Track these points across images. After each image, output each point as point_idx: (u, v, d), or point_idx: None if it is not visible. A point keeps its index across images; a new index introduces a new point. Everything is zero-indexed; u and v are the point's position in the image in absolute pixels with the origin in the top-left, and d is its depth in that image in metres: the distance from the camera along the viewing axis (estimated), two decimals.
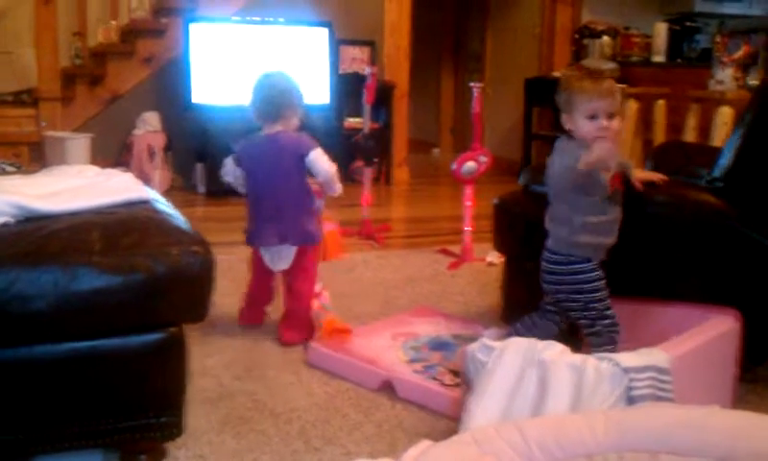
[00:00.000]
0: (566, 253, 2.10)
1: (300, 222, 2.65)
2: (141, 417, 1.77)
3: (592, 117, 2.01)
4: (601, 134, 2.00)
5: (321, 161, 2.64)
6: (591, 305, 2.09)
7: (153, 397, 1.78)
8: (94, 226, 1.75)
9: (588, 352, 1.90)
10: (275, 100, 2.63)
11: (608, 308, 2.10)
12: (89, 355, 1.69)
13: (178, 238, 1.76)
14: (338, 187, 2.72)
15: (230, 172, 2.73)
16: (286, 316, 2.68)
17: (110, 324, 1.70)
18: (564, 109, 2.07)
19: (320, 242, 2.80)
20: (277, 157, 2.62)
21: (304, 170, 2.64)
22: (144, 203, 2.00)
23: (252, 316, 2.80)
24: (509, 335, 2.05)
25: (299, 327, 2.62)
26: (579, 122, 2.03)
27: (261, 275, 2.74)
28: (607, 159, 1.97)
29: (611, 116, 2.02)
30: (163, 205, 2.06)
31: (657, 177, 2.27)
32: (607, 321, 2.10)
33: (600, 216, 2.06)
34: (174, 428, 1.80)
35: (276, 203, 2.63)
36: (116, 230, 1.75)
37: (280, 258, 2.66)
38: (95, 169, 2.17)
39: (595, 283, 2.09)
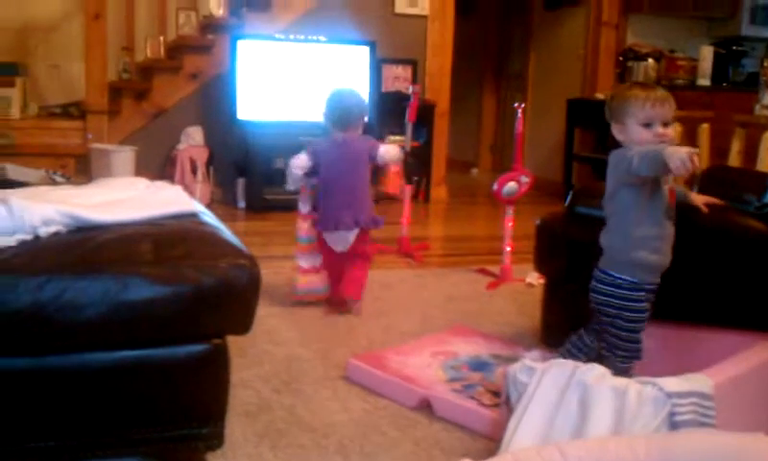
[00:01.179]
0: (624, 277, 2.05)
1: (369, 209, 3.20)
2: (183, 426, 1.80)
3: (647, 125, 1.98)
4: (658, 141, 1.96)
5: (389, 150, 3.29)
6: (624, 334, 2.07)
7: (195, 407, 1.81)
8: (144, 237, 1.80)
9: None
10: (350, 110, 3.17)
11: (633, 341, 2.07)
12: (136, 365, 1.73)
13: (225, 251, 1.80)
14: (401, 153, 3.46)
15: (300, 164, 3.13)
16: (348, 281, 3.16)
17: (158, 334, 1.74)
18: (615, 119, 2.04)
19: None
20: (354, 156, 3.16)
21: (370, 167, 3.23)
22: (192, 216, 2.04)
23: (335, 295, 3.21)
24: (558, 356, 2.03)
25: (359, 287, 3.18)
26: (633, 130, 1.99)
27: (332, 257, 3.20)
28: (682, 166, 1.80)
29: (665, 124, 1.99)
30: (210, 218, 2.10)
31: (715, 201, 2.23)
32: (622, 353, 2.08)
33: (657, 228, 2.02)
34: (215, 439, 1.83)
35: (350, 193, 3.13)
36: (166, 242, 1.79)
37: (343, 240, 3.15)
38: (145, 181, 2.21)
39: (639, 314, 2.05)
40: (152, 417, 1.78)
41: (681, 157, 1.78)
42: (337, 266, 3.21)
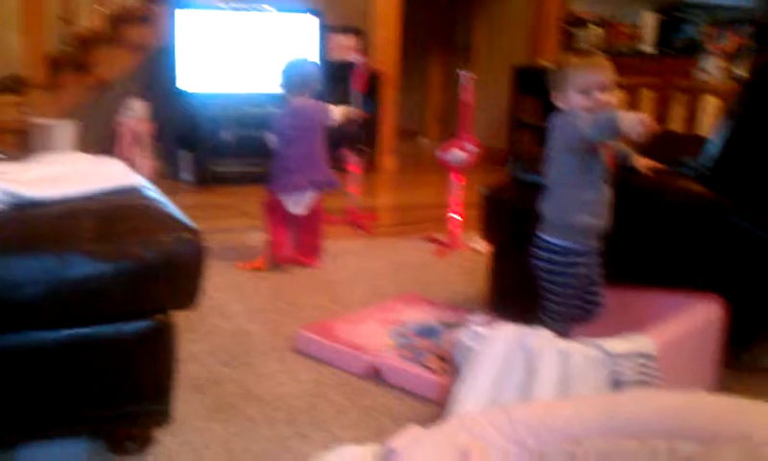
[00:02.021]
0: (556, 240, 2.08)
1: (327, 170, 3.36)
2: (130, 404, 1.78)
3: (586, 92, 2.00)
4: (595, 107, 1.98)
5: (337, 109, 3.46)
6: (559, 299, 2.10)
7: (142, 384, 1.79)
8: (86, 213, 1.76)
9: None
10: (307, 76, 3.34)
11: (566, 306, 2.10)
12: (80, 343, 1.69)
13: (169, 225, 1.77)
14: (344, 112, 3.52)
15: (272, 140, 3.32)
16: (305, 245, 3.39)
17: (102, 311, 1.70)
18: (555, 87, 2.06)
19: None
20: (308, 121, 3.31)
21: (324, 130, 3.37)
22: (135, 190, 2.00)
23: (286, 256, 3.34)
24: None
25: (317, 252, 3.41)
26: (572, 97, 2.01)
27: (282, 221, 3.33)
28: (637, 131, 1.84)
29: (603, 90, 2.01)
30: (154, 192, 2.06)
31: (656, 164, 2.27)
32: (556, 316, 2.11)
33: (596, 193, 2.05)
34: (162, 416, 1.82)
35: (306, 156, 3.28)
36: (108, 218, 1.76)
37: (301, 203, 3.30)
38: (85, 156, 2.17)
39: (571, 279, 2.09)
40: (98, 396, 1.75)
41: (635, 119, 1.82)
42: (290, 228, 3.36)
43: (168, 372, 1.84)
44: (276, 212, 3.33)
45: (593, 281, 2.15)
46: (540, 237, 2.12)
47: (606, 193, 2.08)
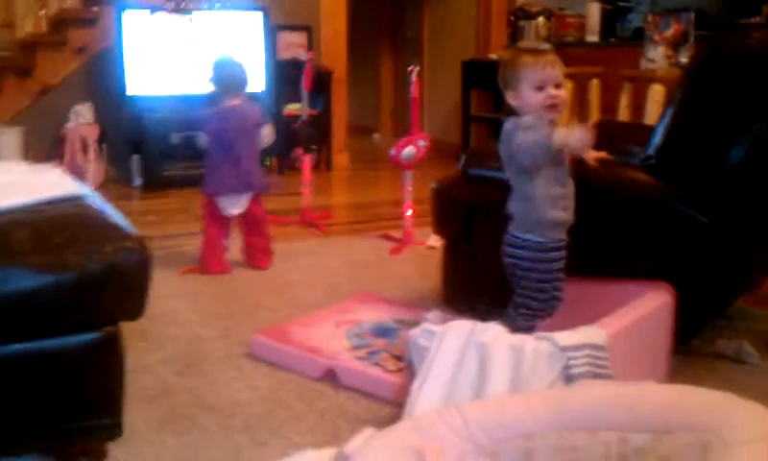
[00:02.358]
0: (527, 236, 2.07)
1: (260, 173, 3.35)
2: (79, 419, 1.74)
3: (540, 88, 2.00)
4: (551, 103, 1.99)
5: (268, 135, 3.39)
6: (531, 293, 2.10)
7: (90, 398, 1.74)
8: (24, 224, 1.71)
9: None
10: (237, 77, 3.29)
11: (539, 300, 2.11)
12: (22, 358, 1.65)
13: (111, 234, 1.73)
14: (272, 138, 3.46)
15: (203, 140, 3.28)
16: (257, 249, 3.37)
17: (44, 325, 1.66)
18: (508, 85, 2.05)
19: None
20: (241, 122, 3.26)
21: (257, 133, 3.33)
22: (76, 199, 1.96)
23: (220, 264, 3.29)
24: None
25: (268, 256, 3.39)
26: (527, 95, 2.01)
27: (219, 223, 3.30)
28: (582, 146, 1.95)
29: (557, 86, 2.02)
30: (96, 200, 2.02)
31: (604, 155, 2.29)
32: (526, 311, 2.11)
33: (562, 188, 2.05)
34: (113, 429, 1.77)
35: (238, 158, 3.23)
36: (47, 228, 1.71)
37: (236, 205, 3.26)
38: (23, 165, 2.11)
39: (545, 274, 2.08)
40: (45, 411, 1.71)
41: (576, 135, 1.89)
42: (223, 232, 3.33)
43: (118, 383, 1.80)
44: (212, 215, 3.29)
45: (560, 277, 2.16)
46: (513, 235, 2.10)
47: (571, 187, 2.09)
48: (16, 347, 1.64)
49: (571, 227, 2.09)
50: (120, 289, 1.70)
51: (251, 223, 3.35)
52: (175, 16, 5.23)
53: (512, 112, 2.07)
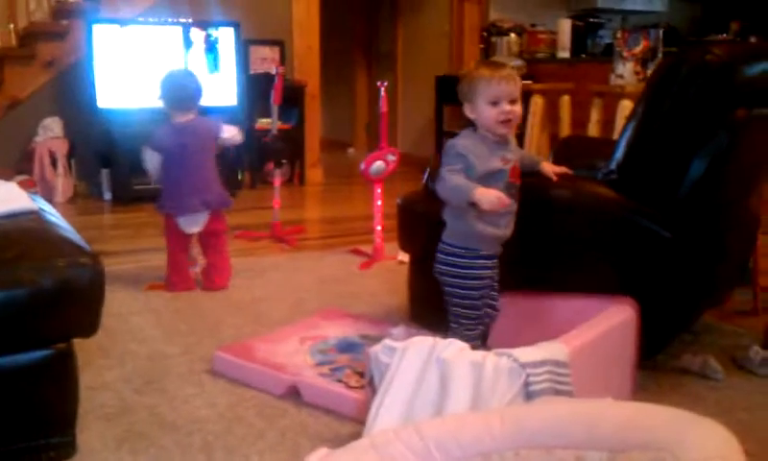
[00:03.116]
0: (461, 245, 2.11)
1: (219, 190, 3.25)
2: (30, 438, 1.71)
3: (495, 103, 2.02)
4: (504, 119, 2.02)
5: (229, 130, 3.32)
6: (465, 301, 2.13)
7: (42, 416, 1.72)
8: None
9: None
10: (189, 92, 3.16)
11: (473, 308, 2.13)
12: None
13: (64, 250, 1.70)
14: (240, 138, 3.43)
15: (152, 159, 3.16)
16: (213, 267, 3.26)
17: None
18: (465, 98, 2.08)
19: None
20: (197, 138, 3.16)
21: (214, 147, 3.26)
22: (31, 213, 1.92)
23: (184, 281, 3.23)
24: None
25: (225, 272, 3.28)
26: (481, 108, 2.04)
27: (180, 241, 3.23)
28: (495, 210, 2.01)
29: (513, 102, 2.04)
30: (52, 215, 1.98)
31: (565, 170, 2.30)
32: (465, 321, 2.14)
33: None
34: (66, 448, 1.75)
35: (196, 175, 3.15)
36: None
37: (195, 223, 3.18)
38: None
39: (476, 281, 2.11)
40: None
41: (490, 200, 1.97)
42: (185, 249, 3.27)
43: (71, 401, 1.77)
44: (173, 233, 3.21)
45: (493, 287, 2.19)
46: (443, 242, 2.15)
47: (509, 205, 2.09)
48: None
49: (507, 241, 2.13)
50: (73, 305, 1.67)
51: (210, 240, 3.26)
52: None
53: (470, 124, 2.10)
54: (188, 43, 5.42)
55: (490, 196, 1.97)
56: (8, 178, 3.86)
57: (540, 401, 1.60)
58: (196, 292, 3.22)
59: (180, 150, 3.12)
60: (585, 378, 1.85)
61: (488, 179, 2.04)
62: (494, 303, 2.21)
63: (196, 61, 5.42)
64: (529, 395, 1.70)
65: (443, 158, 2.09)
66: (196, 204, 3.15)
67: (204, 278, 3.27)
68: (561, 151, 2.93)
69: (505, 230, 2.10)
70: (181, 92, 3.15)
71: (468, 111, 2.09)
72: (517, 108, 2.04)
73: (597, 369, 1.99)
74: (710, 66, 2.11)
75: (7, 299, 1.59)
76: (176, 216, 3.17)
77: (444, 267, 2.15)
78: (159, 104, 3.18)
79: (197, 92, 3.19)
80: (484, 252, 2.11)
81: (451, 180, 2.02)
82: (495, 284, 2.18)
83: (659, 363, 2.41)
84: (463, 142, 2.07)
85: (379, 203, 3.81)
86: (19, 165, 5.33)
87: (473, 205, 2.00)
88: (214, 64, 5.51)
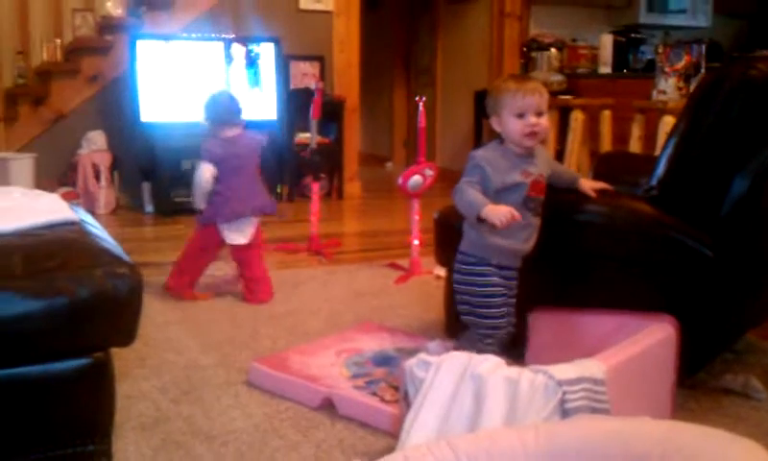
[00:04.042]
0: (475, 254, 2.14)
1: (268, 196, 3.40)
2: (67, 445, 1.72)
3: (521, 115, 2.03)
4: (530, 132, 2.03)
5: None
6: (480, 310, 2.14)
7: (79, 425, 1.73)
8: (15, 248, 1.70)
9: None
10: (234, 110, 3.31)
11: (491, 317, 2.13)
12: (10, 383, 1.63)
13: (103, 260, 1.72)
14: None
15: (208, 176, 3.21)
16: (255, 281, 3.30)
17: (33, 350, 1.64)
18: (493, 111, 2.11)
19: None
20: (245, 150, 3.30)
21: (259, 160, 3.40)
22: (72, 224, 1.95)
23: (190, 290, 3.32)
24: (454, 349, 2.03)
25: (268, 285, 3.33)
26: (507, 121, 2.06)
27: (208, 252, 3.34)
28: (505, 227, 2.00)
29: (539, 115, 2.04)
30: (93, 226, 2.01)
31: (604, 186, 2.28)
32: (483, 330, 2.15)
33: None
34: (102, 456, 1.75)
35: (248, 184, 3.28)
36: (38, 253, 1.70)
37: (242, 234, 3.25)
38: (21, 190, 2.11)
39: (488, 288, 2.12)
40: (33, 438, 1.69)
41: (499, 216, 1.97)
42: (209, 262, 3.39)
43: (108, 410, 1.78)
44: (208, 243, 3.30)
45: (508, 303, 2.19)
46: (459, 252, 2.18)
47: (525, 219, 2.09)
48: (5, 372, 1.63)
49: (527, 256, 2.15)
50: (110, 315, 1.68)
51: (250, 254, 3.31)
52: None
53: (498, 137, 2.11)
54: (229, 59, 5.50)
55: (498, 213, 1.97)
56: (52, 189, 3.95)
57: (575, 419, 1.57)
58: (231, 303, 3.24)
59: (236, 160, 3.25)
60: (622, 397, 1.82)
61: (504, 192, 2.06)
62: (510, 317, 2.21)
63: (237, 77, 5.49)
64: (565, 412, 1.67)
65: (465, 169, 2.11)
66: (245, 209, 3.24)
67: (248, 292, 3.29)
68: (601, 167, 2.89)
69: (524, 244, 2.11)
70: (230, 106, 3.30)
71: (494, 124, 2.11)
72: (544, 120, 2.05)
73: (635, 387, 1.96)
74: (754, 82, 2.08)
75: (45, 308, 1.61)
76: (224, 223, 3.23)
77: (458, 275, 2.19)
78: (205, 123, 3.31)
79: (239, 111, 3.33)
80: (496, 262, 2.12)
81: (467, 193, 2.05)
82: (512, 299, 2.19)
83: (699, 382, 2.36)
84: (483, 153, 2.10)
85: (416, 217, 3.81)
86: (63, 177, 5.43)
87: (482, 220, 2.01)
88: (255, 79, 5.58)
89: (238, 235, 3.25)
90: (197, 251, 3.34)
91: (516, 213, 1.99)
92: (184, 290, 3.29)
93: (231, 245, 3.26)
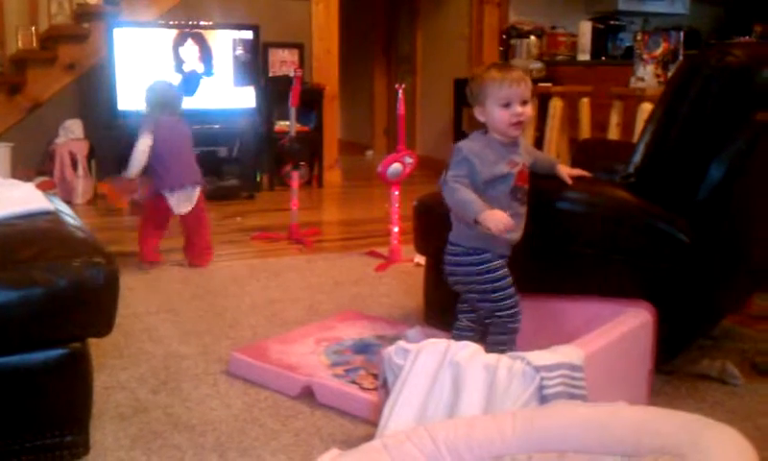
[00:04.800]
0: (467, 245, 2.11)
1: (201, 172, 3.72)
2: (45, 436, 1.72)
3: (506, 105, 2.02)
4: (516, 121, 2.01)
5: None
6: (492, 295, 2.11)
7: (56, 415, 1.72)
8: None
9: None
10: (177, 99, 3.73)
11: (509, 298, 2.11)
12: None
13: (79, 250, 1.71)
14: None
15: (144, 146, 3.51)
16: (196, 245, 3.70)
17: (10, 340, 1.64)
18: (476, 101, 2.08)
19: None
20: (183, 133, 3.67)
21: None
22: (48, 214, 1.93)
23: (155, 255, 3.67)
24: (452, 338, 2.03)
25: (208, 251, 3.74)
26: (493, 110, 2.04)
27: (162, 220, 3.65)
28: (500, 233, 1.99)
29: (523, 103, 2.03)
30: (69, 215, 1.99)
31: (582, 173, 2.29)
32: (507, 312, 2.12)
33: (503, 210, 2.05)
34: (79, 447, 1.75)
35: (188, 160, 3.65)
36: (14, 243, 1.69)
37: (187, 201, 3.58)
38: None
39: (496, 272, 2.10)
40: (10, 428, 1.68)
41: (496, 223, 1.95)
42: (163, 228, 3.70)
43: (85, 401, 1.78)
44: (159, 213, 3.59)
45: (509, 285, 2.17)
46: (450, 243, 2.16)
47: (515, 210, 2.09)
48: None
49: (516, 243, 2.12)
50: (87, 305, 1.68)
51: (192, 221, 3.62)
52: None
53: (480, 127, 2.09)
54: (208, 46, 5.45)
55: (496, 219, 1.97)
56: (28, 179, 3.91)
57: (553, 405, 1.58)
58: (212, 292, 3.23)
59: (179, 138, 3.63)
60: (600, 383, 1.83)
61: (493, 183, 2.05)
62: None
63: (215, 64, 5.45)
64: (543, 398, 1.68)
65: (450, 161, 2.09)
66: (190, 179, 3.59)
67: (195, 257, 3.68)
68: (580, 154, 2.91)
69: (513, 234, 2.09)
70: (171, 99, 3.69)
71: (478, 114, 2.09)
72: (528, 109, 2.04)
73: (612, 373, 1.98)
74: (730, 68, 2.09)
75: (22, 298, 1.60)
76: (168, 193, 3.53)
77: (449, 267, 2.16)
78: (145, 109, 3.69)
79: (179, 99, 3.75)
80: (490, 252, 2.10)
81: (459, 192, 2.03)
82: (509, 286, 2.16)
83: (676, 368, 2.38)
84: (469, 145, 2.07)
85: (396, 205, 3.81)
86: (40, 166, 5.38)
87: (478, 223, 2.00)
88: (233, 67, 5.54)
89: (186, 204, 3.58)
90: (150, 219, 3.66)
91: (510, 221, 1.98)
92: (154, 256, 3.65)
93: (180, 215, 3.59)
